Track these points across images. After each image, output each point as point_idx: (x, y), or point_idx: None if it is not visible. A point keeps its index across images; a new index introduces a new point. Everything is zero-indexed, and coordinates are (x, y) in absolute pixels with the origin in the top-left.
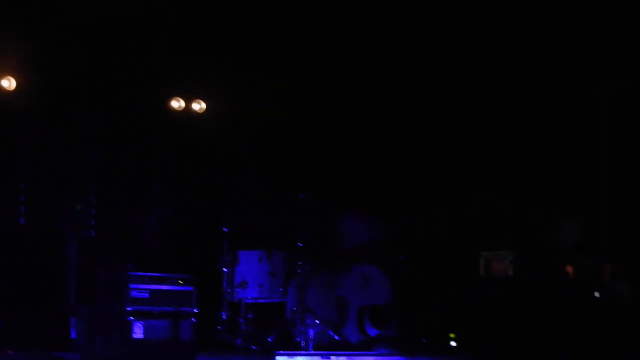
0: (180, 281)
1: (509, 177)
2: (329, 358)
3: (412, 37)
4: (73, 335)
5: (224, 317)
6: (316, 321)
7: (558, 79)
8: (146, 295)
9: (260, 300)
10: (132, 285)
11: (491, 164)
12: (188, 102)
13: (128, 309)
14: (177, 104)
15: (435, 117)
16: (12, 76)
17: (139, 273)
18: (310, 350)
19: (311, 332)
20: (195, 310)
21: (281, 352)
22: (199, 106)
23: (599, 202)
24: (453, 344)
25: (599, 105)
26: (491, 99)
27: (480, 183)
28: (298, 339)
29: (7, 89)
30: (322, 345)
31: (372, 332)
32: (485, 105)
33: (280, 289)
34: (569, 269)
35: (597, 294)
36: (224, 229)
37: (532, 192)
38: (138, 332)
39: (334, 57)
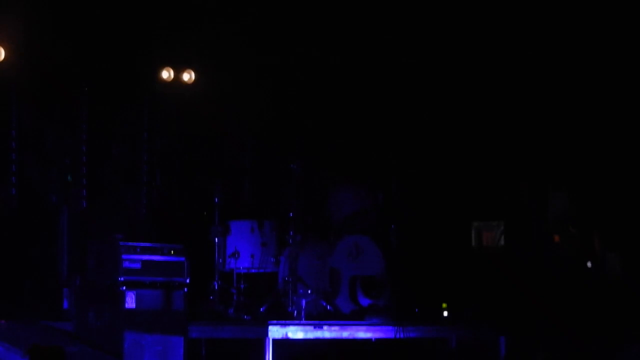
0: (172, 251)
1: (500, 145)
2: (322, 328)
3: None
4: (65, 305)
5: (216, 287)
6: (308, 291)
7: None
8: (138, 265)
9: (252, 271)
10: (123, 256)
11: (482, 132)
12: (178, 72)
13: (120, 279)
14: (167, 74)
15: (426, 84)
16: (2, 46)
17: (131, 243)
18: (302, 320)
19: (303, 302)
20: (187, 281)
21: (273, 322)
22: (188, 76)
23: (588, 172)
24: (445, 313)
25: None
26: (481, 66)
27: (471, 152)
28: (290, 309)
29: None
30: (314, 315)
31: (364, 301)
32: (475, 72)
33: (272, 259)
34: (557, 238)
35: (589, 264)
36: (215, 200)
37: (523, 161)
38: (130, 302)
39: (325, 24)
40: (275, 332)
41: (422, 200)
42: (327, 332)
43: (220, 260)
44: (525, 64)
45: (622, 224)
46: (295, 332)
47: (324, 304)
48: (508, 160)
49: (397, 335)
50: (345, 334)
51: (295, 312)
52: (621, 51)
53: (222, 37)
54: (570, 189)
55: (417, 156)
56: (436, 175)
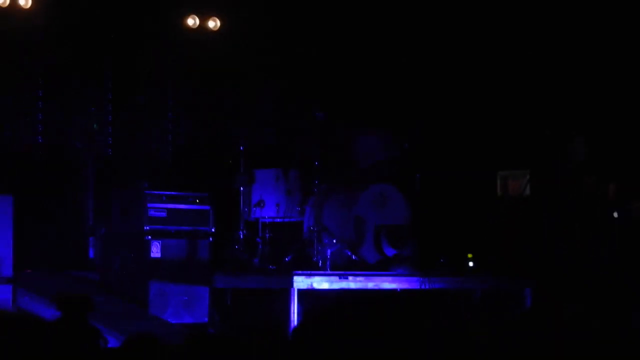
0: (197, 200)
1: (525, 92)
2: (347, 278)
3: None
4: (91, 254)
5: (241, 236)
6: (333, 240)
7: None
8: (163, 214)
9: (278, 220)
10: (149, 205)
11: (506, 80)
12: (203, 19)
13: (145, 228)
14: (192, 21)
15: (450, 33)
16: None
17: (156, 192)
18: (327, 270)
19: (328, 252)
20: (212, 230)
21: (298, 272)
22: (214, 24)
23: (605, 120)
24: (471, 264)
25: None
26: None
27: (496, 101)
28: (315, 259)
29: (24, 7)
30: (339, 265)
31: (389, 251)
32: (500, 22)
33: (297, 208)
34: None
35: (615, 214)
36: (241, 148)
37: (547, 108)
38: (155, 251)
39: None
40: (301, 282)
41: (448, 149)
42: (352, 283)
43: (246, 209)
44: (548, 14)
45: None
46: (321, 283)
47: (349, 253)
48: (532, 108)
49: (423, 286)
50: (371, 284)
51: (321, 262)
52: None
53: None
54: (591, 136)
55: (443, 105)
56: (462, 123)
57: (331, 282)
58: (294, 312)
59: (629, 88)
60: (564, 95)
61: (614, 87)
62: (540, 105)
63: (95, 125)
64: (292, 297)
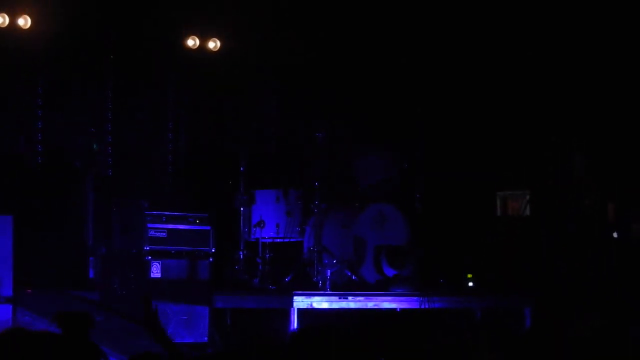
0: (197, 220)
1: (523, 114)
2: (347, 298)
3: None
4: (91, 274)
5: (241, 256)
6: (333, 261)
7: None
8: (164, 234)
9: (278, 240)
10: (149, 225)
11: (505, 104)
12: (203, 40)
13: (146, 248)
14: (192, 42)
15: (451, 52)
16: (28, 15)
17: (157, 212)
18: (327, 290)
19: (328, 272)
20: (212, 250)
21: (298, 292)
22: (214, 44)
23: (604, 141)
24: (470, 284)
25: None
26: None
27: (497, 121)
28: (315, 279)
29: (23, 27)
30: (339, 285)
31: (389, 272)
32: (499, 38)
33: (297, 229)
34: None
35: (615, 234)
36: (241, 168)
37: (547, 128)
38: (155, 271)
39: None
40: (300, 302)
41: (448, 169)
42: (352, 303)
43: (246, 230)
44: (549, 27)
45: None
46: (320, 302)
47: (349, 273)
48: (532, 128)
49: (422, 306)
50: (370, 304)
51: (320, 282)
52: None
53: (248, 4)
54: (591, 155)
55: (443, 125)
56: (462, 144)
57: (331, 302)
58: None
59: (628, 107)
60: (563, 115)
61: (614, 106)
62: (539, 125)
63: (95, 146)
64: (292, 317)
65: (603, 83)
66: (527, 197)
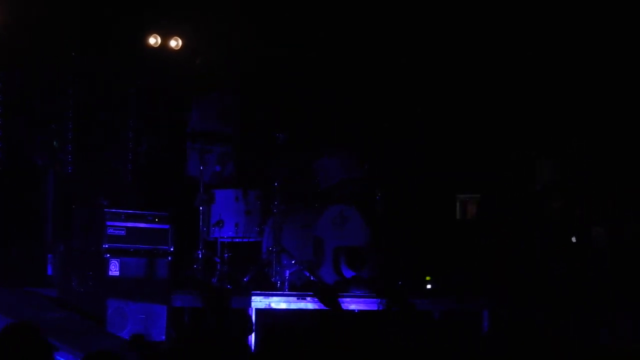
0: (156, 219)
1: (488, 117)
2: (305, 299)
3: None
4: (50, 271)
5: (200, 256)
6: (292, 261)
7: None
8: (122, 232)
9: (237, 240)
10: (108, 223)
11: (469, 103)
12: (165, 38)
13: (104, 246)
14: (154, 40)
15: (415, 54)
16: None
17: (116, 210)
18: (285, 291)
19: (287, 273)
20: (171, 249)
21: (257, 292)
22: (175, 43)
23: (572, 145)
24: (429, 286)
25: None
26: (470, 37)
27: (458, 123)
28: (274, 280)
29: None
30: (298, 285)
31: (348, 273)
32: (464, 43)
33: (256, 229)
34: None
35: (574, 239)
36: (200, 167)
37: (509, 133)
38: (114, 269)
39: None
40: (259, 302)
41: (409, 171)
42: (310, 304)
43: (205, 229)
44: (514, 33)
45: (609, 196)
46: (279, 303)
47: (308, 274)
48: (494, 132)
49: (380, 308)
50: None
51: (279, 282)
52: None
53: (211, 4)
54: (557, 160)
55: (404, 127)
56: (422, 146)
57: (289, 302)
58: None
59: (597, 111)
60: (529, 119)
61: (582, 109)
62: (506, 129)
63: (55, 143)
64: (250, 317)
65: (574, 87)
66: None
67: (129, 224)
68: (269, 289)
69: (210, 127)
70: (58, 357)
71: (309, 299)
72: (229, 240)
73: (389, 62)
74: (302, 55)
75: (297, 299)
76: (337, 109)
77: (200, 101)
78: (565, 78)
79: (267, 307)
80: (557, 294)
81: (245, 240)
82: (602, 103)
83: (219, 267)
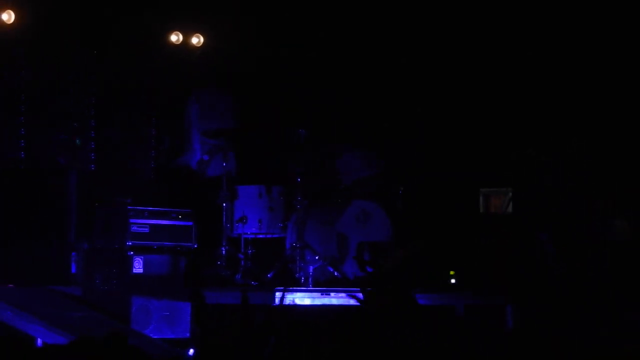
0: (180, 216)
1: (509, 110)
2: (329, 294)
3: None
4: (73, 269)
5: (224, 252)
6: (316, 257)
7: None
8: (146, 230)
9: (260, 236)
10: (131, 220)
11: (491, 98)
12: (186, 36)
13: (128, 243)
14: (175, 38)
15: (432, 49)
16: (12, 10)
17: (139, 207)
18: (309, 287)
19: (311, 269)
20: (194, 246)
21: (280, 288)
22: (197, 40)
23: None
24: (453, 280)
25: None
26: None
27: (480, 117)
28: (298, 276)
29: (7, 22)
30: (322, 281)
31: (371, 268)
32: (484, 36)
33: (280, 225)
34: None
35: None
36: (224, 164)
37: (531, 127)
38: (138, 267)
39: None
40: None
41: (431, 165)
42: (334, 299)
43: (228, 225)
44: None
45: (630, 190)
46: (303, 299)
47: (331, 270)
48: (516, 126)
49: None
50: (352, 301)
51: (303, 278)
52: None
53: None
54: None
55: (426, 122)
56: (445, 141)
57: (313, 298)
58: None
59: (612, 104)
60: (548, 113)
61: (596, 104)
62: (524, 124)
63: (77, 141)
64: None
65: (592, 84)
66: (510, 194)
67: (153, 221)
68: (292, 285)
69: (223, 124)
70: None
71: (333, 294)
72: (253, 236)
73: (410, 59)
74: (324, 50)
75: (321, 294)
76: (360, 104)
77: (212, 97)
78: (589, 74)
79: (291, 303)
80: (583, 291)
81: (268, 236)
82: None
83: (242, 263)
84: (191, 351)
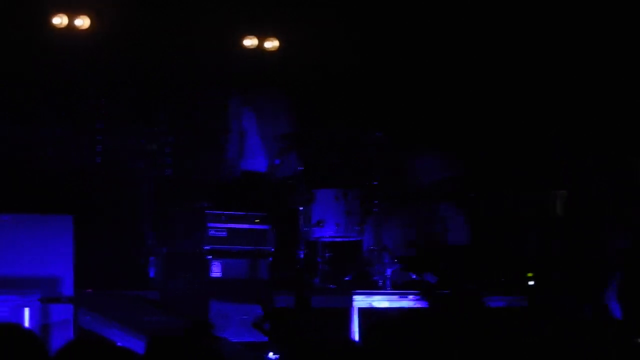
0: (257, 220)
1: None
2: (407, 297)
3: None
4: (152, 274)
5: (302, 256)
6: (394, 260)
7: None
8: (224, 234)
9: (337, 239)
10: (209, 224)
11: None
12: (261, 39)
13: (206, 247)
14: (249, 42)
15: (506, 53)
16: (87, 15)
17: (217, 212)
18: (388, 290)
19: (389, 272)
20: (272, 249)
21: (358, 291)
22: (271, 44)
23: None
24: (531, 283)
25: None
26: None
27: (557, 120)
28: (375, 278)
29: (82, 27)
30: (400, 284)
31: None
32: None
33: (357, 228)
34: None
35: None
36: (299, 168)
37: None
38: (216, 271)
39: None
40: (361, 301)
41: (507, 168)
42: (412, 302)
43: (306, 229)
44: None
45: None
46: (381, 302)
47: (410, 273)
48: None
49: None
50: (423, 303)
51: (381, 281)
52: None
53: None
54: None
55: (503, 124)
56: (522, 144)
57: (391, 301)
58: (354, 331)
59: None
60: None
61: None
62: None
63: (154, 146)
64: (352, 316)
65: None
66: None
67: (230, 225)
68: (370, 288)
69: (286, 129)
70: None
71: (411, 297)
72: (330, 239)
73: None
74: (400, 53)
75: (399, 297)
76: (436, 108)
77: (269, 101)
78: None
79: (369, 306)
80: None
81: (346, 239)
82: None
83: (320, 266)
84: (271, 354)
